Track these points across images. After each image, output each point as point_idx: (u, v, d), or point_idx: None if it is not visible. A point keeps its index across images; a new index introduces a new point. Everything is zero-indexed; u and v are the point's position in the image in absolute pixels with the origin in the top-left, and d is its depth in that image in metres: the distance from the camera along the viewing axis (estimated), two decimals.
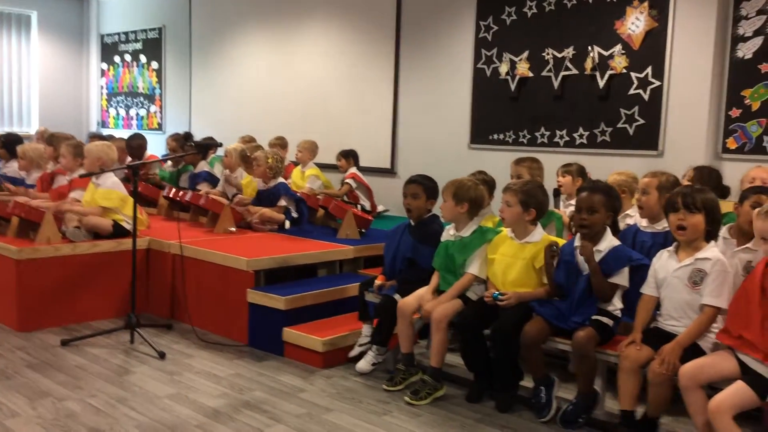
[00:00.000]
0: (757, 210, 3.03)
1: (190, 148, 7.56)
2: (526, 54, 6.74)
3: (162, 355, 4.48)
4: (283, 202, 6.14)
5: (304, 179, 7.23)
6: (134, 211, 4.83)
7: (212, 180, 7.40)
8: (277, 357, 4.58)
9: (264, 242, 5.57)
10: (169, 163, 7.93)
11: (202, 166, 7.60)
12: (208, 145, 7.13)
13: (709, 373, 3.02)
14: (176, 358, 4.50)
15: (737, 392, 2.85)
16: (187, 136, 8.29)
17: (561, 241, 3.97)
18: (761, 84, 5.49)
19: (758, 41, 5.50)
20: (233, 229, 5.89)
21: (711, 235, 3.32)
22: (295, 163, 7.69)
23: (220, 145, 6.11)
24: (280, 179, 6.27)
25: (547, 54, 6.58)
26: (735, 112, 5.64)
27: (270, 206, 6.12)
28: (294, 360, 4.51)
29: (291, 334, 4.53)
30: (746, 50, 5.56)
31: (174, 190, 6.73)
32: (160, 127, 11.09)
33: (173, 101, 10.93)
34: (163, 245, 5.42)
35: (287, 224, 6.11)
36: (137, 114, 11.62)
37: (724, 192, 4.61)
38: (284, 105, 9.12)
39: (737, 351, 2.96)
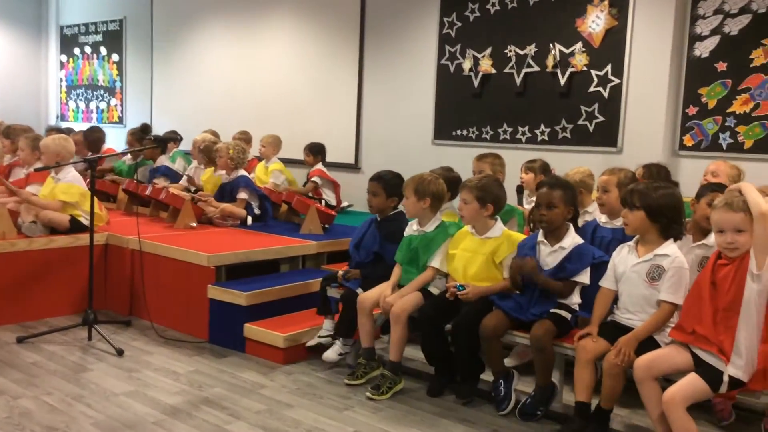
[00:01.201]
0: (716, 202, 3.06)
1: (149, 142, 7.46)
2: (489, 51, 6.78)
3: (120, 352, 4.41)
4: (242, 195, 6.10)
5: (267, 174, 7.17)
6: (92, 205, 4.74)
7: (171, 174, 7.31)
8: (237, 353, 4.55)
9: (225, 238, 5.52)
10: (129, 156, 7.81)
11: (162, 161, 7.50)
12: (167, 139, 7.02)
13: (663, 366, 3.07)
14: (135, 355, 4.44)
15: (690, 384, 2.90)
16: (145, 128, 8.15)
17: (521, 237, 4.01)
18: (717, 82, 5.61)
19: (715, 40, 5.61)
20: (194, 224, 5.83)
21: (666, 232, 3.31)
22: (259, 158, 7.62)
23: (182, 139, 6.04)
24: (242, 172, 6.23)
25: (510, 51, 6.63)
26: (692, 110, 5.75)
27: (231, 200, 6.08)
28: (255, 356, 4.48)
29: (252, 330, 4.51)
30: (703, 49, 5.67)
31: (134, 184, 6.63)
32: (120, 121, 10.91)
33: (134, 94, 10.77)
34: (122, 240, 5.34)
35: (249, 220, 6.07)
36: (97, 107, 11.42)
37: None
38: (248, 99, 9.05)
39: (691, 346, 3.02)
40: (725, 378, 2.90)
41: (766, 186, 3.88)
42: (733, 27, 5.52)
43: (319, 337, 4.47)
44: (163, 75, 10.24)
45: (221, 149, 6.22)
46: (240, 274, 4.96)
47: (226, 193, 6.20)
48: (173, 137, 7.46)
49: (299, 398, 3.85)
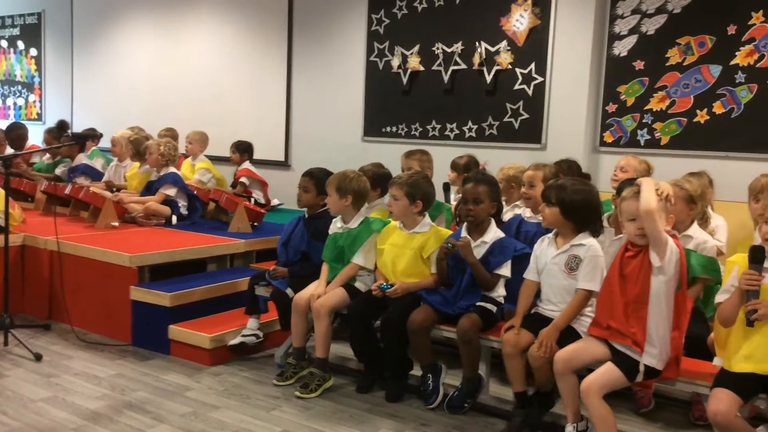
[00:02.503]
0: (625, 192, 3.17)
1: (67, 139, 7.20)
2: (417, 48, 6.82)
3: (38, 357, 4.25)
4: (165, 190, 5.96)
5: (193, 172, 7.02)
6: (6, 205, 4.55)
7: (91, 173, 7.09)
8: (162, 356, 4.45)
9: (149, 237, 5.38)
10: (47, 155, 7.53)
11: (81, 159, 7.26)
12: (86, 136, 6.79)
13: (582, 358, 3.15)
14: (54, 360, 4.28)
15: (606, 373, 2.99)
16: (62, 125, 7.83)
17: (448, 232, 4.06)
18: (635, 80, 5.79)
19: (633, 39, 5.79)
20: (116, 223, 5.66)
21: (580, 229, 3.39)
22: (186, 155, 7.46)
23: (101, 136, 5.85)
24: (172, 168, 6.10)
25: (437, 48, 6.69)
26: (611, 107, 5.92)
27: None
28: (180, 358, 4.39)
29: (177, 331, 4.41)
30: (622, 48, 5.84)
31: (52, 183, 6.39)
32: (39, 117, 10.50)
33: (54, 90, 10.38)
34: (39, 241, 5.14)
35: (174, 219, 5.94)
36: (15, 104, 10.95)
37: None
38: (174, 95, 8.83)
39: (608, 340, 3.10)
40: (641, 368, 2.99)
41: (679, 179, 4.02)
42: (650, 27, 5.71)
43: (242, 336, 4.40)
44: (85, 70, 9.90)
45: (151, 146, 6.07)
46: (166, 274, 4.84)
47: (153, 190, 6.05)
48: (92, 134, 7.22)
49: (226, 399, 3.79)
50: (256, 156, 7.41)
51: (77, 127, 9.23)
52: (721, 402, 2.75)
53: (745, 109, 5.36)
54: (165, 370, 4.20)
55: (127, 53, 9.37)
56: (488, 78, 6.38)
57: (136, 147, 6.36)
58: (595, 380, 2.97)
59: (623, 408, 3.73)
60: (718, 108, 5.46)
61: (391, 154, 6.01)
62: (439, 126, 6.76)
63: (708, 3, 5.47)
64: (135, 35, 9.26)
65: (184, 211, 6.08)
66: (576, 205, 3.36)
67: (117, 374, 4.10)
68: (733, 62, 5.37)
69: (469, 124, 6.57)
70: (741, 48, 5.34)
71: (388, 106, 7.08)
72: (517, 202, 4.65)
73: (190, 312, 4.55)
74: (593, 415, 2.99)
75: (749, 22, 5.30)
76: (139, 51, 9.23)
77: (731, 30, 5.37)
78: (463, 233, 3.81)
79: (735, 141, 5.40)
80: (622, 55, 5.84)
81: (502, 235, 3.79)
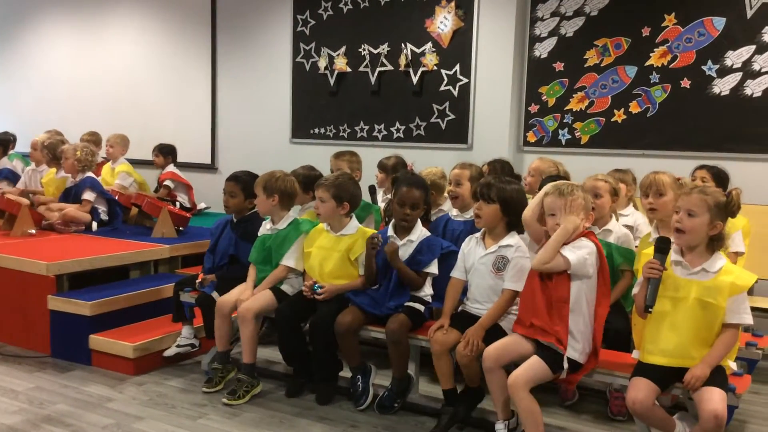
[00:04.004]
0: (548, 187, 3.24)
1: None
2: (343, 49, 6.82)
3: None
4: (87, 195, 5.76)
5: (114, 176, 6.81)
6: None
7: (14, 178, 6.81)
8: (83, 366, 4.30)
9: (68, 244, 5.18)
10: None
11: (4, 163, 6.96)
12: (8, 140, 6.50)
13: (510, 355, 3.19)
14: None
15: (532, 366, 3.04)
16: None
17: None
18: (556, 81, 5.94)
19: (552, 41, 5.94)
20: (33, 231, 5.43)
21: (511, 226, 3.48)
22: (106, 159, 7.23)
23: (15, 139, 5.62)
24: (89, 174, 5.89)
25: (364, 50, 6.70)
26: (534, 108, 6.06)
27: (76, 203, 5.74)
28: (102, 368, 4.26)
29: (98, 341, 4.28)
30: (542, 50, 5.99)
31: None
32: None
33: None
34: None
35: (94, 225, 5.74)
36: None
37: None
38: (94, 98, 8.56)
39: (532, 338, 3.15)
40: (566, 365, 3.05)
41: (606, 173, 4.15)
42: (569, 29, 5.86)
43: (177, 346, 4.31)
44: None
45: (67, 150, 5.86)
46: (87, 282, 4.68)
47: (70, 197, 5.84)
48: (6, 138, 6.92)
49: (150, 409, 3.69)
50: (182, 159, 7.25)
51: None
52: (640, 391, 2.84)
53: (659, 108, 5.56)
54: (86, 381, 4.06)
55: (44, 54, 9.02)
56: (414, 79, 6.43)
57: (52, 151, 6.13)
58: (522, 374, 3.02)
59: (550, 401, 3.81)
60: (634, 107, 5.65)
61: (319, 156, 6.00)
62: (367, 127, 6.78)
63: (623, 6, 5.65)
64: (52, 35, 8.92)
65: (104, 216, 5.89)
66: (515, 202, 3.43)
67: (35, 387, 3.95)
68: (647, 63, 5.57)
69: (397, 124, 6.61)
70: (655, 49, 5.54)
71: (316, 107, 7.05)
72: (442, 206, 4.69)
73: (112, 321, 4.42)
74: (520, 409, 3.04)
75: (662, 24, 5.51)
76: (56, 51, 8.91)
77: (646, 32, 5.57)
78: (390, 232, 3.82)
79: (651, 139, 5.60)
80: (542, 56, 5.98)
81: (428, 233, 3.82)
